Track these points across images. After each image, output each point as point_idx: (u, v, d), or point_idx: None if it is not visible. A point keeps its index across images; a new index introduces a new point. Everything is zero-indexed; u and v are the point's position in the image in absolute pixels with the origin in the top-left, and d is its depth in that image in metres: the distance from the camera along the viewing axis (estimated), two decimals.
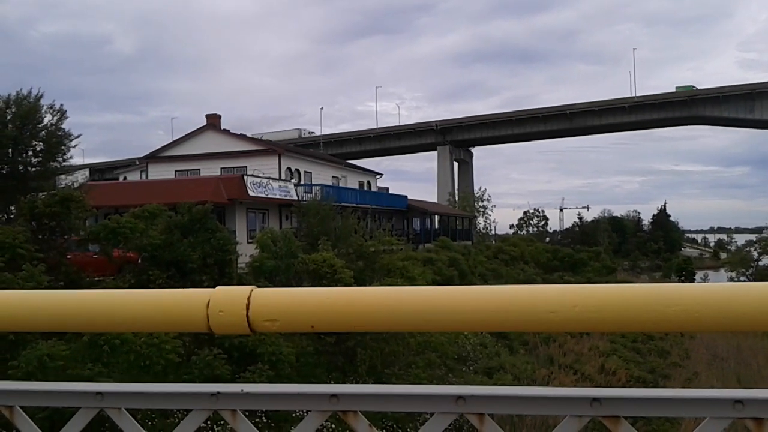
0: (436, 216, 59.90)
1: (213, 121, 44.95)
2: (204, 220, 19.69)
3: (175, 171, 41.92)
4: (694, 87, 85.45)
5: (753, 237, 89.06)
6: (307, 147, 67.51)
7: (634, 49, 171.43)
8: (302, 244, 23.58)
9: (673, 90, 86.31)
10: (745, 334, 32.76)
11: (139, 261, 19.50)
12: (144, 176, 44.45)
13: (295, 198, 35.65)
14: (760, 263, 72.19)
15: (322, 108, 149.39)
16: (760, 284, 1.28)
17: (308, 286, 18.60)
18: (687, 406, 1.36)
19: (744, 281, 49.78)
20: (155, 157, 44.81)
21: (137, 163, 49.31)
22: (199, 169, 41.14)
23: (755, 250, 75.85)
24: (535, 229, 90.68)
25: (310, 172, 45.37)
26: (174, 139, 47.40)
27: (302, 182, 41.65)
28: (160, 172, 41.72)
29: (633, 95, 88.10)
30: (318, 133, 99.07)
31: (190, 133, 45.26)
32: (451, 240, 44.91)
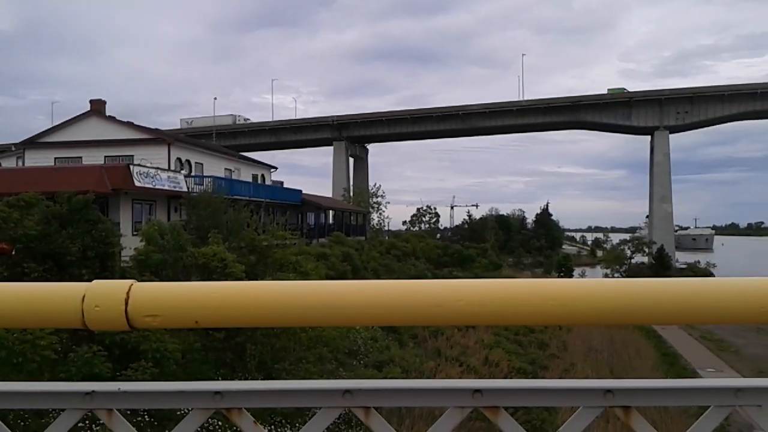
0: (330, 211, 59.91)
1: (97, 107, 42.54)
2: (85, 210, 18.63)
3: (55, 158, 39.50)
4: (625, 89, 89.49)
5: (627, 236, 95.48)
6: (198, 138, 65.37)
7: (523, 54, 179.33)
8: (192, 237, 22.87)
9: (605, 92, 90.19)
10: (617, 328, 35.12)
11: (13, 253, 18.20)
12: (20, 163, 41.54)
13: (185, 190, 34.50)
14: (633, 261, 77.54)
15: (215, 98, 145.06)
16: (630, 280, 1.37)
17: (197, 280, 18.04)
18: (562, 396, 1.42)
19: (617, 277, 53.34)
20: (33, 143, 41.91)
21: (13, 149, 46.23)
22: (80, 157, 38.86)
23: (629, 248, 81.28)
24: (427, 225, 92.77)
25: (202, 164, 44.06)
26: (54, 124, 44.57)
27: (193, 174, 40.39)
28: (38, 159, 39.09)
29: (521, 99, 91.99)
30: (253, 120, 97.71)
31: (73, 118, 42.60)
32: (345, 235, 45.09)
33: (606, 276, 69.72)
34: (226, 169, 47.57)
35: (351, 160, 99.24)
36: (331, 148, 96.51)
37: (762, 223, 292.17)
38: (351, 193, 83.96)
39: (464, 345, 25.09)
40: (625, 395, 1.38)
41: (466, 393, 1.37)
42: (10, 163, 44.30)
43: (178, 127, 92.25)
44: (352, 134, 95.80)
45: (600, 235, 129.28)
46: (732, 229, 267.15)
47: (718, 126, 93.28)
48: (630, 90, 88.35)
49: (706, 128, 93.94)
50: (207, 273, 18.79)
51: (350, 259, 35.37)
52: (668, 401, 1.44)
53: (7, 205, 18.16)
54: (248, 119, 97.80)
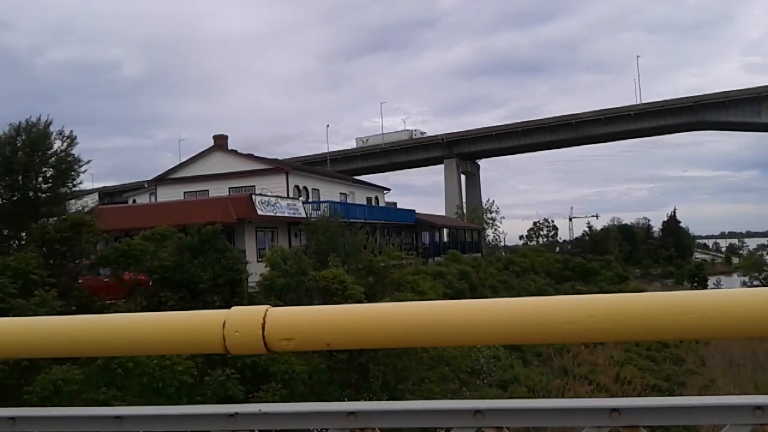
0: (444, 229, 59.85)
1: (220, 142, 45.21)
2: (213, 240, 19.75)
3: (184, 192, 42.09)
4: None
5: (764, 240, 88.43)
6: (314, 164, 67.75)
7: (638, 56, 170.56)
8: (312, 261, 23.57)
9: (728, 89, 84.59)
10: (761, 339, 32.44)
11: (150, 283, 19.55)
12: (153, 199, 44.67)
13: (304, 216, 35.70)
14: None
15: (328, 125, 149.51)
16: None
17: (319, 303, 18.59)
18: (706, 414, 1.34)
19: (758, 285, 49.40)
20: (164, 179, 45.07)
21: (146, 185, 49.60)
22: (207, 190, 41.31)
23: (767, 253, 75.16)
24: (545, 239, 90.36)
25: (318, 190, 45.45)
26: (182, 161, 47.78)
27: (310, 200, 41.73)
28: (168, 194, 41.92)
29: (638, 102, 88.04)
30: (429, 132, 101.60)
31: (198, 154, 45.53)
32: (460, 253, 44.81)
33: (745, 285, 64.78)
34: (341, 193, 48.78)
35: (463, 177, 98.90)
36: (442, 166, 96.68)
37: None
38: (464, 210, 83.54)
39: (593, 362, 24.12)
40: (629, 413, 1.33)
41: (603, 412, 1.33)
42: (143, 199, 47.76)
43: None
44: (462, 151, 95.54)
45: (735, 241, 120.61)
46: None
47: None
48: (758, 86, 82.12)
49: None
50: (328, 295, 19.32)
51: (467, 276, 35.09)
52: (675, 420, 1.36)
53: (143, 238, 19.54)
54: (424, 133, 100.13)
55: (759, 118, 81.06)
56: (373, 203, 53.93)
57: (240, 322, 1.37)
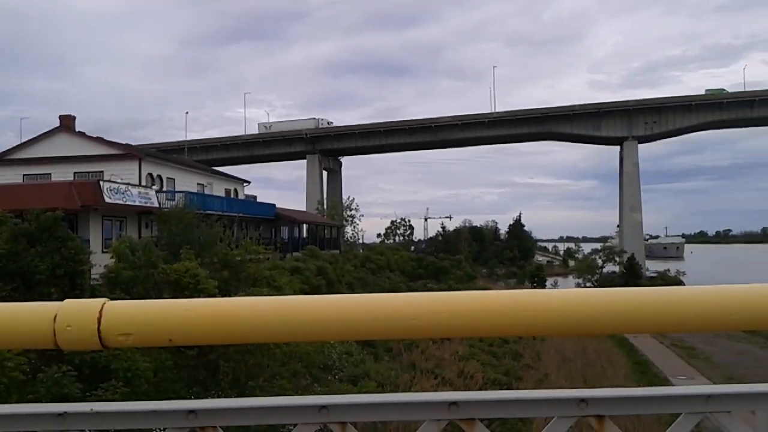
0: (304, 225, 59.66)
1: (67, 123, 41.94)
2: (54, 228, 18.29)
3: (23, 175, 38.88)
4: (725, 90, 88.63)
5: (598, 246, 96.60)
6: (171, 153, 64.81)
7: (494, 66, 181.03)
8: (163, 253, 22.57)
9: (575, 103, 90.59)
10: (590, 338, 35.47)
11: None
12: None
13: (157, 205, 34.09)
14: (604, 270, 78.48)
15: (187, 112, 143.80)
16: (602, 290, 1.39)
17: (169, 297, 17.80)
18: (536, 407, 1.43)
19: (589, 287, 53.93)
20: (1, 160, 41.15)
21: None
22: (50, 174, 38.19)
23: (600, 257, 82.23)
24: (401, 238, 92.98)
25: (174, 179, 43.59)
26: (23, 141, 43.90)
27: (165, 189, 39.95)
28: (6, 177, 38.28)
29: (492, 111, 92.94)
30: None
31: (41, 135, 41.96)
32: (319, 249, 44.90)
33: (578, 286, 70.46)
34: (198, 183, 47.16)
35: (324, 173, 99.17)
36: (305, 161, 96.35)
37: (729, 230, 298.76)
38: (325, 207, 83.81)
39: (439, 357, 25.10)
40: (598, 404, 1.40)
41: (442, 406, 1.38)
42: None
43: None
44: (325, 147, 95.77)
45: (572, 245, 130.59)
46: (701, 237, 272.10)
47: (685, 135, 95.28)
48: (599, 102, 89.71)
49: (674, 138, 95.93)
50: (179, 290, 18.55)
51: (325, 272, 35.22)
52: (640, 409, 1.45)
53: None
54: (331, 122, 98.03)
55: (599, 131, 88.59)
56: (232, 195, 52.66)
57: (73, 316, 1.27)
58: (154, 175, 41.18)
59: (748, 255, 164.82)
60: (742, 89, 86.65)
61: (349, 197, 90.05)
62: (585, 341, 33.56)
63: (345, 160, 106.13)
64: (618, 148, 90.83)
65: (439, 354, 25.53)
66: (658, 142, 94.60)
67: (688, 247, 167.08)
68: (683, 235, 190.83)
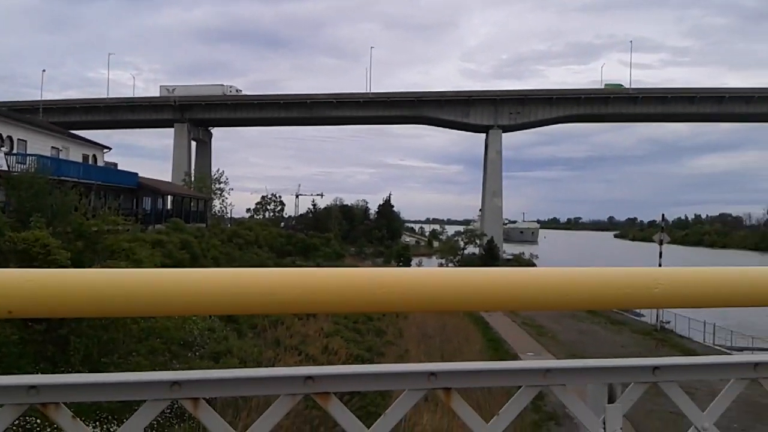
0: (169, 196, 57.35)
1: None
2: None
3: None
4: (622, 85, 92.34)
5: (461, 228, 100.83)
6: (23, 112, 59.59)
7: (371, 47, 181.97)
8: (11, 220, 20.87)
9: (447, 89, 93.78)
10: (450, 315, 37.08)
11: None
12: None
13: (5, 169, 31.40)
14: (465, 251, 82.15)
15: (44, 70, 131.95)
16: (460, 270, 1.47)
17: (15, 267, 16.47)
18: (389, 380, 1.48)
19: (451, 267, 56.09)
20: None
21: None
22: None
23: (462, 240, 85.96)
24: (272, 214, 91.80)
25: (25, 141, 40.28)
26: None
27: (14, 151, 36.82)
28: None
29: (368, 91, 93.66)
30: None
31: None
32: (184, 222, 43.33)
33: (441, 265, 73.21)
34: (52, 147, 43.87)
35: (193, 144, 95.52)
36: (172, 130, 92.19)
37: (579, 218, 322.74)
38: (192, 178, 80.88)
39: (304, 334, 25.19)
40: (446, 378, 1.47)
41: (298, 380, 1.39)
42: None
43: (158, 94, 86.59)
44: (195, 117, 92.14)
45: (437, 227, 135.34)
46: (554, 223, 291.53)
47: (546, 127, 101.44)
48: (469, 89, 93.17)
49: (535, 129, 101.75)
50: (28, 260, 17.19)
51: (189, 246, 34.07)
52: (484, 382, 1.54)
53: None
54: (240, 90, 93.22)
55: (467, 119, 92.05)
56: (91, 162, 49.47)
57: None
58: (4, 135, 37.82)
59: (594, 241, 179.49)
60: (599, 86, 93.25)
61: (218, 170, 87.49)
62: (444, 318, 35.02)
63: (215, 131, 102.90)
64: (484, 135, 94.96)
65: (304, 330, 25.62)
66: (521, 131, 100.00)
67: (542, 232, 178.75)
68: (538, 221, 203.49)
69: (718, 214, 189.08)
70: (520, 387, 1.53)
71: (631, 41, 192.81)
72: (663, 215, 51.06)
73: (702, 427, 1.59)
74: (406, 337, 30.30)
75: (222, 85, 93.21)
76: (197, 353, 20.00)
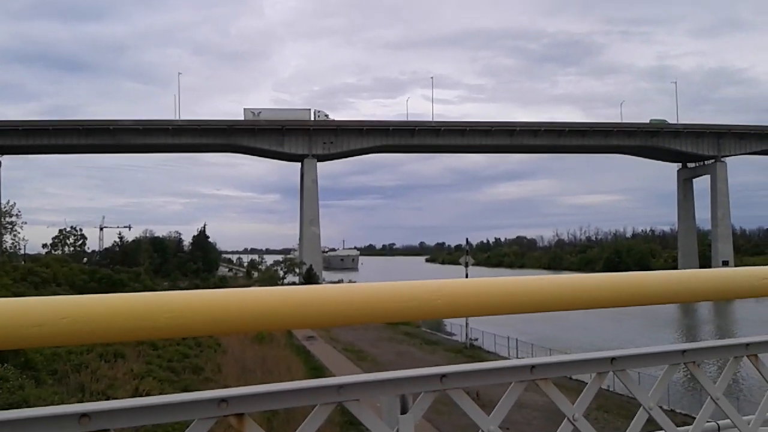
0: None
1: None
2: None
3: None
4: (666, 120, 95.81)
5: (280, 257, 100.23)
6: None
7: (179, 73, 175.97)
8: None
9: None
10: (269, 346, 36.68)
11: None
12: None
13: None
14: (285, 280, 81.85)
15: None
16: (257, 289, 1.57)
17: None
18: (174, 411, 1.43)
19: None
20: None
21: None
22: None
23: (281, 269, 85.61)
24: (72, 248, 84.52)
25: None
26: None
27: None
28: None
29: (177, 118, 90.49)
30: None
31: None
32: None
33: None
34: None
35: None
36: None
37: (394, 244, 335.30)
38: None
39: (112, 377, 23.48)
40: (238, 403, 1.47)
41: (73, 418, 1.33)
42: None
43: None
44: None
45: (255, 257, 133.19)
46: (370, 250, 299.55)
47: (360, 156, 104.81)
48: (280, 119, 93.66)
49: (349, 158, 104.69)
50: None
51: None
52: (277, 404, 1.57)
53: None
54: (327, 115, 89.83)
55: (282, 147, 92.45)
56: None
57: None
58: None
59: (409, 265, 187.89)
60: (405, 119, 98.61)
61: (8, 202, 78.86)
62: (265, 351, 34.59)
63: (5, 160, 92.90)
64: (299, 164, 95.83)
65: (112, 373, 23.89)
66: (336, 161, 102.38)
67: (361, 259, 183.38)
68: (356, 248, 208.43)
69: (515, 237, 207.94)
70: (315, 405, 1.57)
71: (432, 77, 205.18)
72: (467, 239, 55.27)
73: (488, 429, 1.70)
74: (224, 373, 29.38)
75: (307, 109, 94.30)
76: None
